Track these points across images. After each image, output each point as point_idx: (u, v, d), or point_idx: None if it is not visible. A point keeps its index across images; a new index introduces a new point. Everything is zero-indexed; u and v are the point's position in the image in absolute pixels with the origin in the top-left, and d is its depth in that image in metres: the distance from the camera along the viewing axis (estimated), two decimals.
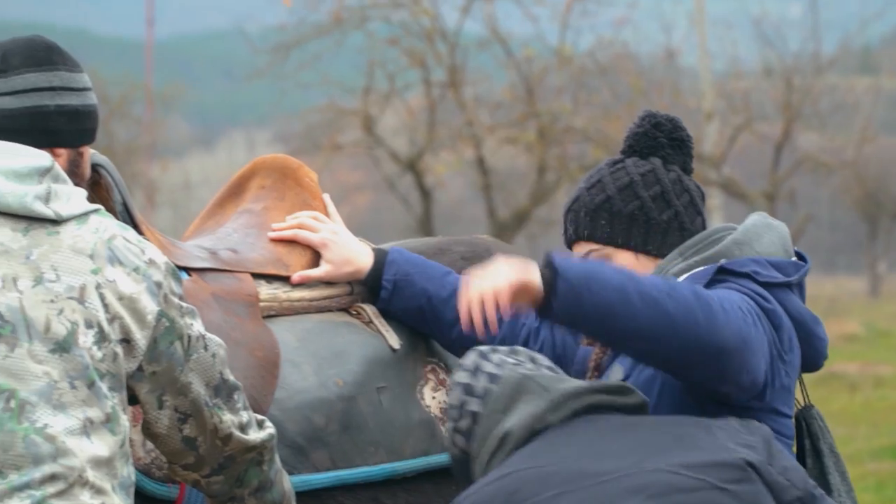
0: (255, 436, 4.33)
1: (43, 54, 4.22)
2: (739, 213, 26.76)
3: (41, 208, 4.01)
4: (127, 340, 4.02)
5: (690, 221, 4.71)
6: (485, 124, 27.28)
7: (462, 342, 4.80)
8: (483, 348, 4.49)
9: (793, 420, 4.62)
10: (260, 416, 4.42)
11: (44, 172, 4.05)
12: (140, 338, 4.04)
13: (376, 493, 4.93)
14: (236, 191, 5.40)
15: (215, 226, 5.30)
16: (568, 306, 4.17)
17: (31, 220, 4.01)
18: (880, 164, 46.62)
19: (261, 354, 4.83)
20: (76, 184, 4.21)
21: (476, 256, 5.36)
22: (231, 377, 4.28)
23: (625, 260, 4.65)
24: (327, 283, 5.16)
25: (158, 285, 4.07)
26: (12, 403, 3.85)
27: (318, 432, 4.87)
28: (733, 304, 4.28)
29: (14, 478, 3.81)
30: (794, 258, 4.68)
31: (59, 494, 3.83)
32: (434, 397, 5.10)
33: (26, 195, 4.00)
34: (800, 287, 4.65)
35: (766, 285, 4.49)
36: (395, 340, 5.09)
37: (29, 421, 3.85)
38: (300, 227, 5.16)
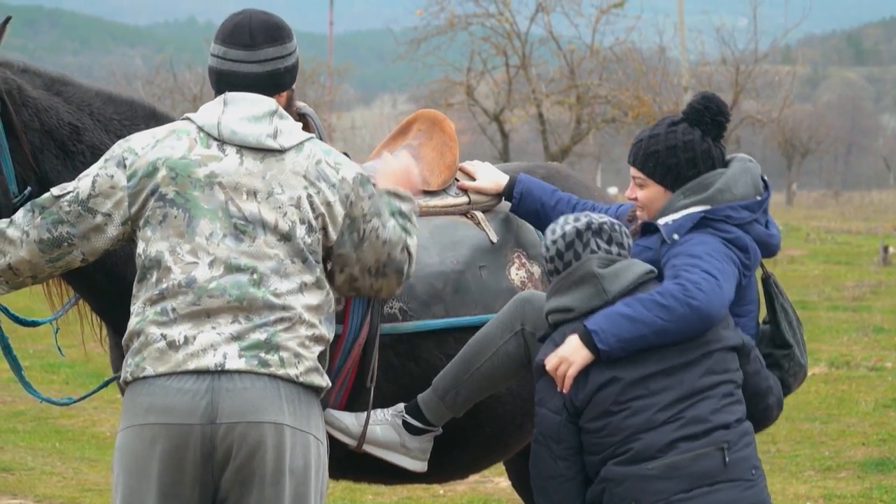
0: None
1: (276, 32, 4.01)
2: None
3: (271, 143, 3.89)
4: (325, 230, 3.93)
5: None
6: (543, 92, 27.10)
7: None
8: (594, 222, 4.26)
9: (760, 284, 4.50)
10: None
11: (272, 113, 3.92)
12: (332, 231, 3.94)
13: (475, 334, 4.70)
14: (403, 130, 5.19)
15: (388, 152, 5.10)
16: (612, 354, 4.07)
17: (265, 150, 3.89)
18: (794, 121, 46.71)
19: None
20: (293, 115, 4.08)
21: (549, 176, 5.14)
22: (399, 256, 4.10)
23: (654, 188, 4.44)
24: (452, 195, 4.95)
25: (347, 196, 3.95)
26: (255, 276, 3.82)
27: (438, 293, 4.72)
28: (708, 277, 4.11)
29: (257, 319, 3.80)
30: (762, 184, 4.45)
31: (286, 329, 3.82)
32: (517, 274, 4.90)
33: (261, 134, 3.89)
34: (764, 210, 4.43)
35: (736, 225, 4.33)
36: (493, 236, 4.90)
37: (265, 286, 3.81)
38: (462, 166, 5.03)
